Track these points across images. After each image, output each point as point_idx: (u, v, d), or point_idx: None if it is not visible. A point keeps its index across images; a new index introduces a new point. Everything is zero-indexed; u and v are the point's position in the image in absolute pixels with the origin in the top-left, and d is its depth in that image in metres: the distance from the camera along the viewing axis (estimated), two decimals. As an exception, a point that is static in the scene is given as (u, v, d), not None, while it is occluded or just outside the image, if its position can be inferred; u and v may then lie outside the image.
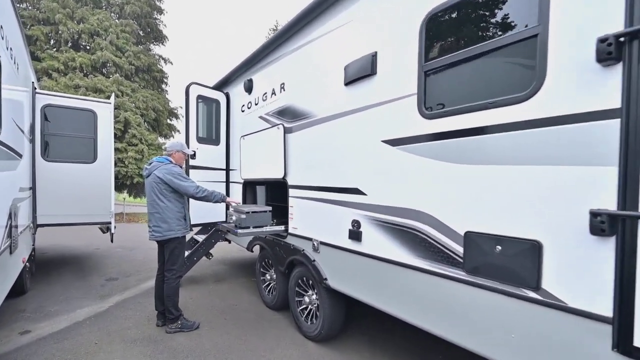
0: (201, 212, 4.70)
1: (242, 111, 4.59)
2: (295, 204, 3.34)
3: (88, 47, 15.32)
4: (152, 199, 3.28)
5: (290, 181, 3.42)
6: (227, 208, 4.98)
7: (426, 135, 2.02)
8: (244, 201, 4.47)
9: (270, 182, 4.30)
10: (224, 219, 5.04)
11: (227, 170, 5.01)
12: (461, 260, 1.84)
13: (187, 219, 3.38)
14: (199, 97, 4.79)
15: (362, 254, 2.51)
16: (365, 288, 2.51)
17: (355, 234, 2.57)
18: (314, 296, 3.21)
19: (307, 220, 3.15)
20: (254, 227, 3.40)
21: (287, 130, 3.47)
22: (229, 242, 5.24)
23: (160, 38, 18.16)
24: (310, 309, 3.27)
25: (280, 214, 3.74)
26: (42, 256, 6.32)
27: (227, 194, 5.03)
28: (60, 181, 4.68)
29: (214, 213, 4.95)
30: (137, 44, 16.50)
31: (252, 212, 3.41)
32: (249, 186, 4.51)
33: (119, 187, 15.72)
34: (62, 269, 5.47)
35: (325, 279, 2.88)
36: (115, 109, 14.15)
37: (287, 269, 3.56)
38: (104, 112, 5.20)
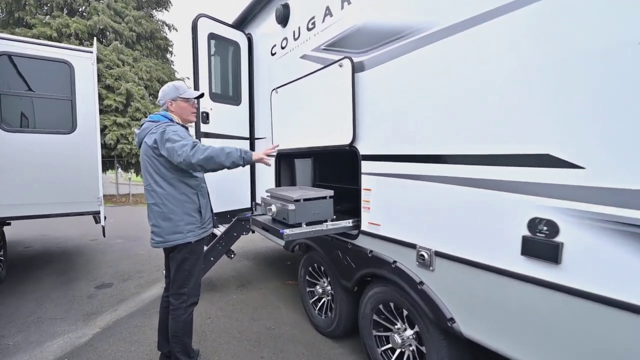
0: (217, 196, 3.45)
1: (273, 54, 3.21)
2: (376, 187, 2.03)
3: (84, 14, 13.85)
4: (147, 181, 2.02)
5: (365, 149, 2.10)
6: (253, 184, 3.71)
7: None
8: (278, 182, 3.19)
9: (321, 153, 2.97)
10: (249, 206, 3.79)
11: (252, 139, 3.71)
12: None
13: (204, 212, 2.12)
14: (212, 36, 3.43)
15: (562, 287, 1.22)
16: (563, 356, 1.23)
17: (540, 248, 1.26)
18: (411, 336, 1.96)
19: (404, 213, 1.85)
20: (307, 224, 2.13)
21: (357, 67, 2.12)
22: (253, 231, 3.99)
23: (163, 3, 16.54)
24: (405, 354, 2.03)
25: (338, 199, 2.43)
26: (24, 252, 5.22)
27: (252, 172, 3.74)
28: (26, 159, 3.44)
29: (235, 197, 3.70)
30: (137, 8, 14.95)
31: (304, 199, 2.12)
32: (285, 160, 3.21)
33: (125, 167, 14.67)
34: (45, 269, 4.34)
35: (451, 319, 1.61)
36: (115, 79, 12.92)
37: (357, 286, 2.31)
38: (84, 65, 3.86)
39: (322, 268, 2.74)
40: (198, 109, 2.25)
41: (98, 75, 12.81)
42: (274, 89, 3.09)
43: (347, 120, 2.18)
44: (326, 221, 2.19)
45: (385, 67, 1.93)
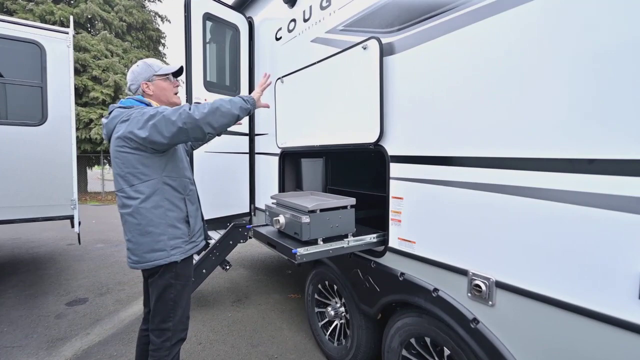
0: (211, 200, 3.03)
1: (278, 39, 2.81)
2: (410, 195, 1.64)
3: (71, 1, 13.17)
4: (120, 185, 1.59)
5: (395, 148, 1.71)
6: (252, 185, 3.29)
7: None
8: (282, 185, 2.78)
9: (336, 153, 2.58)
10: (248, 210, 3.37)
11: (251, 135, 3.29)
12: None
13: (193, 222, 1.71)
14: (208, 17, 3.00)
15: None
16: None
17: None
18: (454, 381, 1.58)
19: (451, 229, 1.47)
20: (324, 241, 1.73)
21: (386, 50, 1.73)
22: (251, 237, 3.55)
23: (154, -7, 15.90)
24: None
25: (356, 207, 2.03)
26: (-7, 256, 4.71)
27: (252, 170, 3.32)
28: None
29: (232, 201, 3.28)
30: (127, -3, 14.30)
31: (321, 209, 1.72)
32: (291, 160, 2.80)
33: (110, 163, 14.06)
34: (9, 281, 3.83)
35: (521, 374, 1.23)
36: (103, 71, 12.28)
37: (381, 312, 1.92)
38: (57, 47, 3.36)
39: (335, 287, 2.35)
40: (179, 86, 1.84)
41: (84, 66, 12.25)
42: (278, 78, 2.68)
43: (373, 114, 1.79)
44: (347, 236, 1.80)
45: (426, 48, 1.54)
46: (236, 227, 3.29)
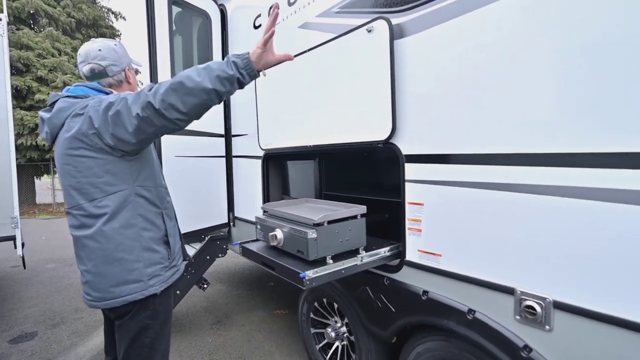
0: (183, 212, 2.65)
1: (257, 27, 2.49)
2: (433, 200, 1.41)
3: (9, -7, 11.83)
4: (74, 200, 1.23)
5: (411, 146, 1.47)
6: (230, 192, 2.93)
7: None
8: (267, 193, 2.45)
9: (332, 153, 2.30)
10: (226, 221, 3.01)
11: (228, 136, 2.93)
12: None
13: (173, 242, 1.38)
14: (174, 1, 2.62)
15: None
16: None
17: None
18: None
19: (488, 239, 1.24)
20: (332, 258, 1.44)
21: (397, 32, 1.48)
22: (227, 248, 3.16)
23: (107, -13, 14.80)
24: None
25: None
26: None
27: (229, 176, 2.96)
28: None
29: (207, 211, 2.91)
30: (76, -9, 13.13)
31: (329, 221, 1.43)
32: (276, 163, 2.48)
33: (63, 172, 12.83)
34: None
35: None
36: (49, 71, 11.13)
37: (397, 335, 1.67)
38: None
39: (337, 306, 2.07)
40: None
41: (28, 66, 11.02)
42: (259, 71, 2.35)
43: (382, 107, 1.53)
44: (358, 251, 1.52)
45: (449, 27, 1.31)
46: (213, 240, 2.92)
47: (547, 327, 1.10)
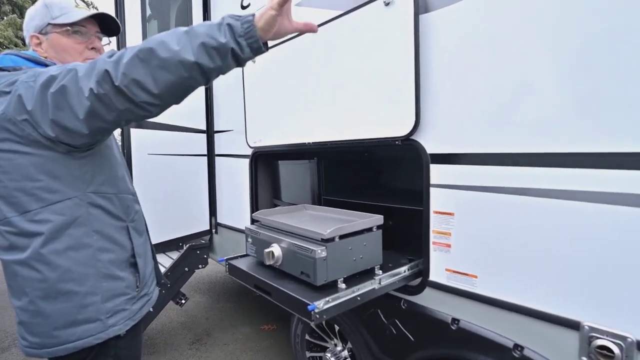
0: (156, 220, 2.31)
1: (246, 7, 2.18)
2: (466, 210, 1.15)
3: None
4: (1, 213, 0.88)
5: (439, 144, 1.22)
6: (212, 196, 2.61)
7: None
8: (255, 197, 2.14)
9: (334, 152, 2.02)
10: (207, 228, 2.68)
11: (210, 132, 2.59)
12: None
13: (143, 264, 1.07)
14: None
15: None
16: None
17: None
18: None
19: (544, 260, 0.99)
20: (345, 282, 1.16)
21: (424, 6, 1.22)
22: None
23: (76, -27, 13.91)
24: None
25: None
26: None
27: (211, 177, 2.63)
28: None
29: (186, 218, 2.58)
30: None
31: (340, 236, 1.15)
32: (266, 163, 2.18)
33: None
34: None
35: None
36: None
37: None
38: None
39: (337, 327, 1.79)
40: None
41: (-15, 55, 10.13)
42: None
43: (404, 98, 1.27)
44: (373, 270, 1.25)
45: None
46: (193, 249, 2.58)
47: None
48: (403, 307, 1.37)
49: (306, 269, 1.13)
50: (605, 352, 0.88)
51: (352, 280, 1.19)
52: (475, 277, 1.15)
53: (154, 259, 1.21)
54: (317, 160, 1.94)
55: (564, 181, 0.94)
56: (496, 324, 1.11)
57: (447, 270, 1.23)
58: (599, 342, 0.89)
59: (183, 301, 2.61)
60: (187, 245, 2.55)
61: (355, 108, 1.46)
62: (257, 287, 1.28)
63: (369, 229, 1.25)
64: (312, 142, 1.65)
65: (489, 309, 1.12)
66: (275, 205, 2.15)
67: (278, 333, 2.75)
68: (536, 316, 1.01)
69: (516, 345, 1.06)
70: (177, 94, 0.81)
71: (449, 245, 1.21)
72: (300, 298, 1.05)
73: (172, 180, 2.44)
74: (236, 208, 2.40)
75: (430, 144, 1.24)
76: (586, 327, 0.92)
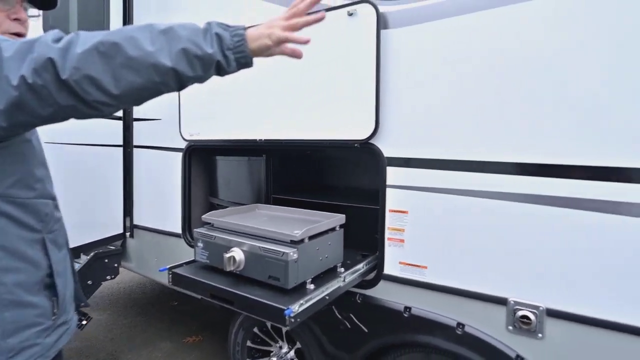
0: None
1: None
2: (419, 208, 1.30)
3: None
4: None
5: (395, 149, 1.34)
6: (128, 193, 2.28)
7: None
8: (188, 197, 1.95)
9: (281, 150, 1.97)
10: (120, 231, 2.31)
11: (127, 119, 2.23)
12: None
13: (62, 286, 0.85)
14: None
15: None
16: None
17: None
18: None
19: (481, 249, 1.20)
20: (313, 283, 1.17)
21: (385, 22, 1.32)
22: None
23: None
24: None
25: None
26: None
27: (128, 172, 2.27)
28: None
29: (93, 219, 2.18)
30: None
31: (310, 237, 1.15)
32: (201, 158, 2.00)
33: None
34: None
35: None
36: None
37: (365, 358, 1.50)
38: None
39: (284, 329, 1.77)
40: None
41: None
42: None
43: (364, 103, 1.35)
44: (336, 269, 1.29)
45: (444, 24, 1.22)
46: (99, 257, 2.20)
47: (540, 335, 1.11)
48: (358, 301, 1.45)
49: (275, 273, 1.10)
50: (525, 320, 1.12)
51: (318, 280, 1.21)
52: (425, 267, 1.30)
53: (75, 278, 1.00)
54: (266, 158, 1.88)
55: (498, 185, 1.15)
56: (442, 308, 1.28)
57: (400, 263, 1.35)
58: (521, 312, 1.12)
59: (84, 322, 2.17)
60: (92, 254, 2.15)
61: (316, 109, 1.47)
62: (215, 296, 1.18)
63: (333, 229, 1.28)
64: (264, 139, 1.59)
65: (437, 295, 1.28)
66: (212, 204, 1.99)
67: (205, 345, 2.55)
68: (474, 297, 1.21)
69: (459, 324, 1.24)
70: (140, 98, 0.71)
71: (402, 241, 1.34)
72: (274, 304, 1.02)
73: (74, 174, 2.01)
74: (160, 207, 2.13)
75: (387, 148, 1.35)
76: (512, 301, 1.14)
